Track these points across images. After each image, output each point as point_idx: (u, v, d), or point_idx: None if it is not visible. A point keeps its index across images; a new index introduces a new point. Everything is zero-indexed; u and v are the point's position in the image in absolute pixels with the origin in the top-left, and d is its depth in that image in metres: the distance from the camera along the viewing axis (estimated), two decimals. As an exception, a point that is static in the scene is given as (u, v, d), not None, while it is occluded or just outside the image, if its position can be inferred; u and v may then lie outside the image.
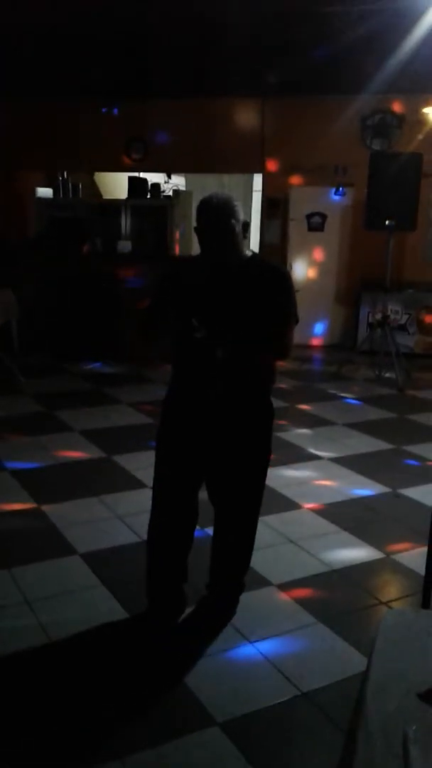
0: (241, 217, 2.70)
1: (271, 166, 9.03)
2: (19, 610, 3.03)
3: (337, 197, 8.77)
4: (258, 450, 2.87)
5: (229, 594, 3.04)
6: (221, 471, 2.87)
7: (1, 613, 3.02)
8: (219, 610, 3.01)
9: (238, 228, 2.68)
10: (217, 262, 2.73)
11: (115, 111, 8.97)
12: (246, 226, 2.74)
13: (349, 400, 6.72)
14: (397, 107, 8.60)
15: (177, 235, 9.03)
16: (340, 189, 8.70)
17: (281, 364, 3.03)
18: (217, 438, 2.79)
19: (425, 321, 8.61)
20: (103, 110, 8.93)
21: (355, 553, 3.65)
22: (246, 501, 2.92)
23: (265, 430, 2.88)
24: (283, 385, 7.18)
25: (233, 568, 3.02)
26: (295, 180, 8.95)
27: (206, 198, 2.74)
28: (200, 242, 2.73)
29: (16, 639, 2.83)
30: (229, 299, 2.70)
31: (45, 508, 4.09)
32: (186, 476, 2.86)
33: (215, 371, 2.71)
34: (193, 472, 2.87)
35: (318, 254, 9.06)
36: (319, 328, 9.19)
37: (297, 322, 2.79)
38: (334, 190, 8.76)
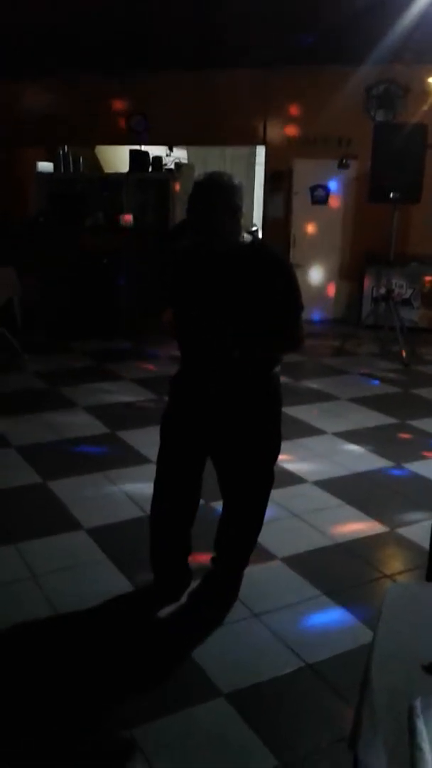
0: (240, 199, 2.54)
1: (274, 138, 8.93)
2: (25, 584, 3.06)
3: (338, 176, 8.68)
4: (263, 437, 2.81)
5: (234, 570, 3.05)
6: (227, 458, 2.83)
7: (8, 587, 3.05)
8: (224, 584, 3.03)
9: (233, 212, 2.52)
10: (209, 250, 2.60)
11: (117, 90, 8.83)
12: (238, 209, 2.56)
13: (353, 375, 6.71)
14: (401, 77, 8.47)
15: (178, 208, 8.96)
16: (347, 163, 8.60)
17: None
18: (220, 424, 2.75)
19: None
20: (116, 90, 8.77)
21: (359, 526, 3.67)
22: (253, 488, 2.89)
23: (272, 418, 2.81)
24: (287, 360, 7.16)
25: (238, 545, 3.01)
26: (299, 152, 8.84)
27: (198, 178, 2.59)
28: (191, 227, 2.60)
29: (24, 611, 2.86)
30: (225, 291, 2.58)
31: (50, 483, 4.10)
32: (187, 460, 2.83)
33: (215, 365, 2.64)
34: (195, 455, 2.83)
35: (322, 227, 8.98)
36: (322, 302, 9.16)
37: (302, 308, 2.65)
38: (337, 163, 8.67)
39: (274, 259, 2.66)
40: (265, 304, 2.55)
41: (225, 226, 2.52)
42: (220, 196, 2.50)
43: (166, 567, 2.99)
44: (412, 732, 1.26)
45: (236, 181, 2.56)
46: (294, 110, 8.66)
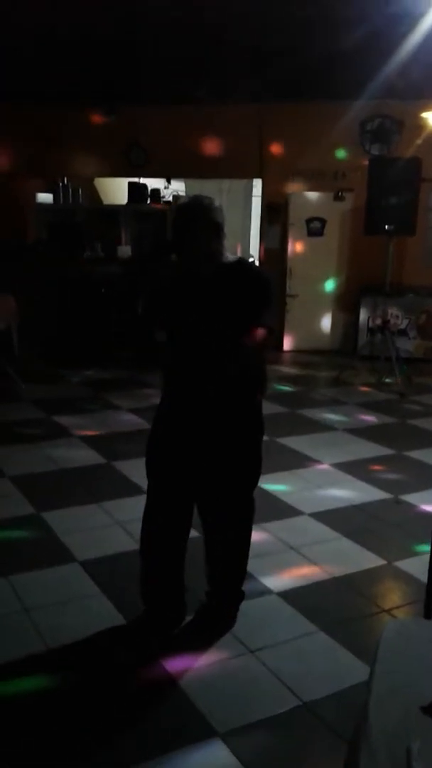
0: (220, 219, 2.65)
1: (270, 171, 9.03)
2: (17, 618, 3.01)
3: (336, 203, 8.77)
4: (246, 462, 2.85)
5: (228, 602, 3.01)
6: (207, 482, 2.85)
7: (0, 621, 3.00)
8: (218, 618, 2.98)
9: (216, 231, 2.63)
10: (191, 270, 2.69)
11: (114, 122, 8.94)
12: (220, 228, 2.66)
13: (349, 406, 6.70)
14: (396, 112, 8.60)
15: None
16: (342, 195, 8.69)
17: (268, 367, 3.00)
18: (203, 449, 2.77)
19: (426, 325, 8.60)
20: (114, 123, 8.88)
21: (356, 559, 3.63)
22: (232, 514, 2.90)
23: (255, 444, 2.86)
24: (283, 391, 7.17)
25: (227, 577, 2.99)
26: (295, 185, 8.94)
27: (181, 202, 2.74)
28: (178, 241, 2.67)
29: (15, 647, 2.80)
30: (215, 308, 2.65)
31: (44, 514, 4.06)
32: (174, 488, 2.83)
33: (210, 382, 2.69)
34: (181, 484, 2.83)
35: (318, 259, 9.05)
36: (319, 333, 9.19)
37: (273, 333, 2.79)
38: (333, 196, 8.77)
39: (257, 274, 2.81)
40: (250, 317, 2.67)
41: (211, 245, 2.62)
42: (204, 216, 2.61)
43: (157, 599, 2.95)
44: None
45: (216, 203, 2.69)
46: (290, 144, 8.76)
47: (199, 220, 2.62)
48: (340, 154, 8.69)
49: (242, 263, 2.81)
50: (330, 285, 9.15)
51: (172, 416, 2.82)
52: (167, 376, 2.85)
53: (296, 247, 9.05)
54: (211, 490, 2.86)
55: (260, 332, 2.69)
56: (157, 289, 2.88)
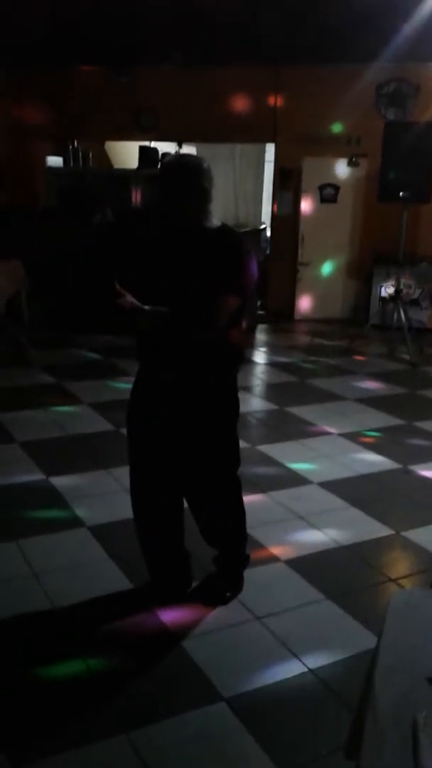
0: (209, 183, 2.52)
1: (284, 136, 8.87)
2: (25, 582, 3.04)
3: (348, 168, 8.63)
4: (217, 446, 2.74)
5: (232, 568, 3.00)
6: (181, 463, 2.76)
7: (8, 584, 3.03)
8: (224, 584, 2.98)
9: (203, 195, 2.51)
10: (173, 226, 2.56)
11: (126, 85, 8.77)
12: (208, 192, 2.53)
13: (360, 375, 6.66)
14: (412, 76, 8.39)
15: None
16: (357, 161, 8.55)
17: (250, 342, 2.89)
18: (174, 423, 2.67)
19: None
20: (125, 86, 8.72)
21: (364, 529, 3.63)
22: (213, 495, 2.84)
23: (226, 427, 2.75)
24: (292, 360, 7.14)
25: (224, 540, 2.94)
26: (308, 150, 8.78)
27: (167, 161, 2.62)
28: (160, 201, 2.55)
29: (23, 608, 2.84)
30: (187, 269, 2.52)
31: (53, 480, 4.08)
32: (153, 462, 2.76)
33: (165, 353, 2.59)
34: (158, 461, 2.75)
35: (330, 226, 8.93)
36: (330, 302, 9.11)
37: (250, 298, 2.60)
38: (347, 161, 8.62)
39: (236, 242, 2.60)
40: (217, 284, 2.48)
41: (195, 208, 2.50)
42: (191, 178, 2.49)
43: (159, 566, 2.95)
44: (416, 745, 1.22)
45: (205, 164, 2.54)
46: (304, 108, 8.59)
47: (182, 181, 2.49)
48: (355, 118, 8.51)
49: (224, 229, 2.62)
50: (343, 252, 9.05)
51: (139, 389, 2.76)
52: (138, 343, 2.72)
53: (309, 213, 8.93)
54: (187, 471, 2.79)
55: (232, 300, 2.50)
56: (104, 233, 2.77)
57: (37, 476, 4.14)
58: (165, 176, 2.55)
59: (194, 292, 2.47)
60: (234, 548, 2.98)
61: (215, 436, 2.73)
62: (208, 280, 2.47)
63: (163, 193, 2.53)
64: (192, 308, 2.46)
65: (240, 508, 2.92)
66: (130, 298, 2.45)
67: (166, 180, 2.53)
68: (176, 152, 2.73)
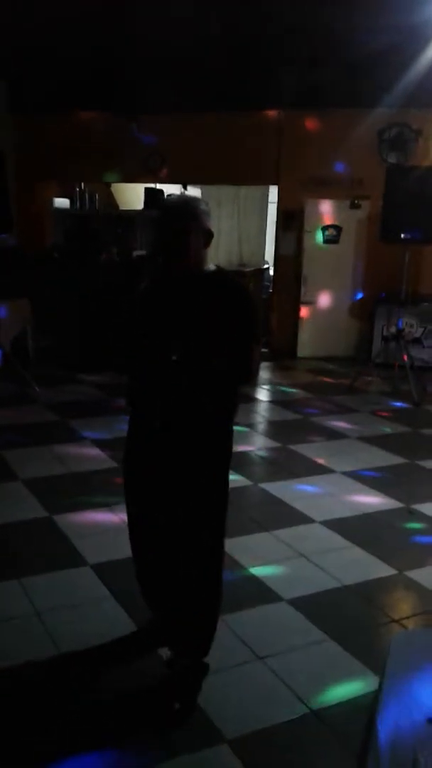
0: (205, 224, 2.42)
1: (287, 178, 9.04)
2: (28, 621, 3.03)
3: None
4: (206, 486, 2.52)
5: (187, 671, 2.62)
6: (169, 502, 2.55)
7: (11, 623, 3.02)
8: (173, 693, 2.58)
9: (205, 237, 2.42)
10: (165, 274, 2.45)
11: (135, 131, 9.00)
12: (208, 235, 2.45)
13: (362, 413, 6.68)
14: (414, 121, 8.59)
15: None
16: (359, 203, 8.70)
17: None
18: (164, 471, 2.51)
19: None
20: (134, 131, 8.94)
21: (366, 568, 3.62)
22: (190, 556, 2.55)
23: (218, 465, 2.54)
24: (296, 398, 7.17)
25: (185, 623, 2.63)
26: (311, 193, 8.95)
27: (169, 201, 2.51)
28: (158, 247, 2.45)
29: (26, 648, 2.82)
30: (182, 315, 2.41)
31: (56, 517, 4.08)
32: (145, 509, 2.62)
33: (160, 396, 2.46)
34: (151, 505, 2.59)
35: (333, 266, 9.05)
36: (333, 340, 9.17)
37: (259, 342, 2.48)
38: (349, 203, 8.77)
39: (236, 288, 2.52)
40: (222, 331, 2.38)
41: (198, 251, 2.42)
42: (194, 219, 2.40)
43: (158, 602, 2.81)
44: (417, 787, 1.23)
45: (205, 206, 2.47)
46: (307, 151, 8.77)
47: (189, 225, 2.38)
48: (357, 161, 8.68)
49: (223, 275, 2.54)
50: (345, 292, 9.14)
51: (135, 434, 2.62)
52: (129, 388, 2.60)
53: (311, 254, 9.05)
54: (170, 521, 2.55)
55: (256, 349, 2.42)
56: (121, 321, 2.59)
57: (40, 514, 4.15)
58: (169, 218, 2.43)
59: (198, 336, 2.38)
60: (194, 640, 2.61)
61: (201, 482, 2.52)
62: (214, 326, 2.38)
63: (162, 237, 2.42)
64: (203, 360, 2.37)
65: (215, 589, 2.60)
66: None
67: (171, 222, 2.41)
68: (174, 194, 2.58)
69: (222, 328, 2.39)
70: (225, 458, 2.57)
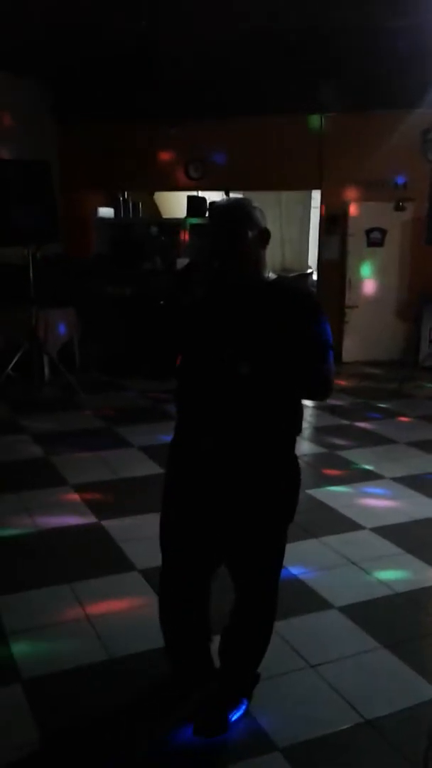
0: (261, 222, 2.17)
1: (330, 182, 8.98)
2: (78, 626, 3.05)
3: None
4: (272, 520, 2.29)
5: (241, 687, 2.52)
6: (231, 540, 2.33)
7: (62, 628, 3.04)
8: (226, 707, 2.47)
9: (261, 236, 2.17)
10: (221, 281, 2.17)
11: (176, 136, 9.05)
12: (266, 234, 2.19)
13: (411, 418, 6.58)
14: (458, 120, 8.45)
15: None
16: (403, 206, 8.59)
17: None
18: (219, 501, 2.25)
19: None
20: (176, 137, 9.00)
21: (420, 576, 3.55)
22: (258, 578, 2.37)
23: (286, 495, 2.31)
24: (341, 403, 7.09)
25: (243, 658, 2.49)
26: (354, 195, 8.87)
27: (217, 203, 2.30)
28: (210, 255, 2.17)
29: (77, 655, 2.84)
30: (245, 327, 2.15)
31: (105, 523, 4.11)
32: (188, 549, 2.36)
33: (210, 415, 2.19)
34: (196, 542, 2.34)
35: (377, 269, 8.95)
36: (379, 344, 9.06)
37: (332, 348, 2.19)
38: (393, 206, 8.67)
39: (306, 295, 2.32)
40: (292, 344, 2.11)
41: (253, 253, 2.17)
42: (249, 219, 2.15)
43: (180, 657, 2.56)
44: None
45: (256, 206, 2.20)
46: (350, 154, 8.70)
47: (243, 223, 2.14)
48: (401, 163, 8.58)
49: (291, 287, 2.30)
50: (390, 295, 9.03)
51: (179, 458, 2.37)
52: (177, 405, 2.36)
53: (356, 257, 8.97)
54: (234, 548, 2.34)
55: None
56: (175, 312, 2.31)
57: (90, 519, 4.18)
58: (219, 219, 2.20)
59: (265, 350, 2.12)
60: (250, 669, 2.51)
61: (263, 530, 2.28)
62: (282, 342, 2.11)
63: (216, 241, 2.17)
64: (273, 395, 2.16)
65: (270, 623, 2.47)
66: None
67: (221, 223, 2.18)
68: (222, 199, 2.33)
69: (292, 339, 2.11)
70: (294, 491, 2.33)
